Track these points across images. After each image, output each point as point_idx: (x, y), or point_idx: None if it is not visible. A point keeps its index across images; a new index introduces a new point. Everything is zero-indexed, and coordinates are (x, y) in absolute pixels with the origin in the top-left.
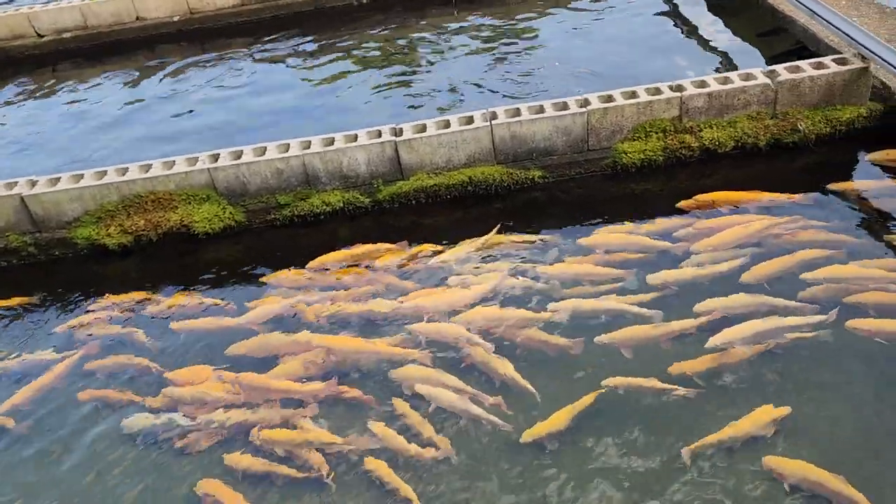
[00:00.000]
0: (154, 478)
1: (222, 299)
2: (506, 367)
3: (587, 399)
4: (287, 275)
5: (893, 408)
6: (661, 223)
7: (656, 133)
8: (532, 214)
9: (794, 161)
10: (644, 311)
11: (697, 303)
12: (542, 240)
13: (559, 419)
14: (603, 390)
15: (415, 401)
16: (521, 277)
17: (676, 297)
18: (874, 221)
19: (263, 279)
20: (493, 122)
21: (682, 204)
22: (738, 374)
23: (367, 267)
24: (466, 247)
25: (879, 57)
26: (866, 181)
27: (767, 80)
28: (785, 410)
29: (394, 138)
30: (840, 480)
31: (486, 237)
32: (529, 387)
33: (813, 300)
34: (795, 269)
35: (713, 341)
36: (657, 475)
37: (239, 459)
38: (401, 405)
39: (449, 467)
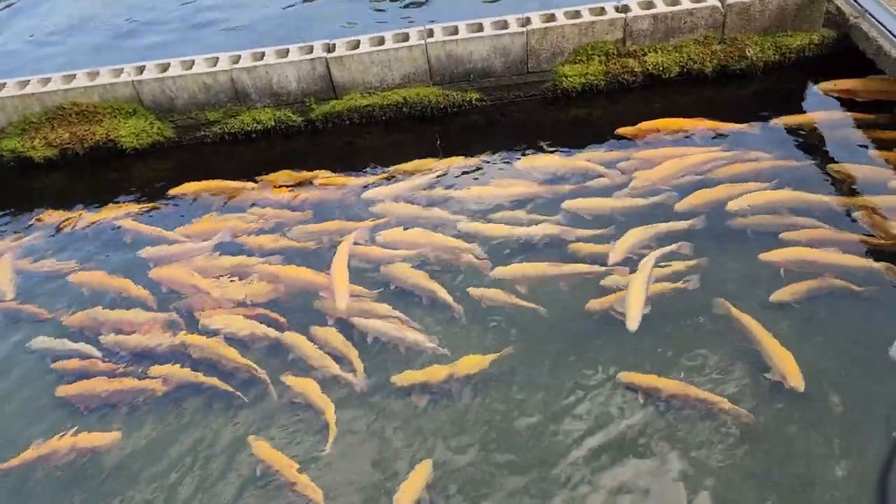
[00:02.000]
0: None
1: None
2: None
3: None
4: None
5: None
6: (599, 153)
7: (598, 56)
8: (470, 138)
9: (741, 89)
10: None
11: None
12: (481, 162)
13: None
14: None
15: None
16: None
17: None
18: (817, 153)
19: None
20: (429, 40)
21: (622, 131)
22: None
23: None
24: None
25: None
26: (813, 113)
27: (717, 2)
28: None
29: (325, 55)
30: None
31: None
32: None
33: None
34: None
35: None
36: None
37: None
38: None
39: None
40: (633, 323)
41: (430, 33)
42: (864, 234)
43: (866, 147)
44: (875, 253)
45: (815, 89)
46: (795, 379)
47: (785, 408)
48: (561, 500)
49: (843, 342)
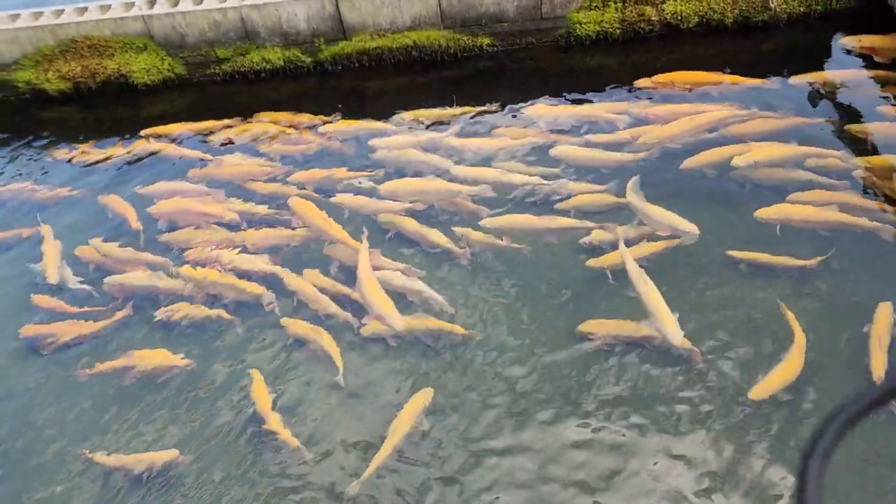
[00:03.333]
0: None
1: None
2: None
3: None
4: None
5: None
6: (612, 104)
7: (615, 3)
8: (480, 84)
9: (762, 42)
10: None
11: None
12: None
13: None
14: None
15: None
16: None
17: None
18: (837, 111)
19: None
20: None
21: (638, 83)
22: None
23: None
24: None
25: None
26: (835, 71)
27: None
28: None
29: None
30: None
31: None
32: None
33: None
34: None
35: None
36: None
37: None
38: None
39: None
40: (676, 335)
41: None
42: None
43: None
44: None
45: (839, 44)
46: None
47: None
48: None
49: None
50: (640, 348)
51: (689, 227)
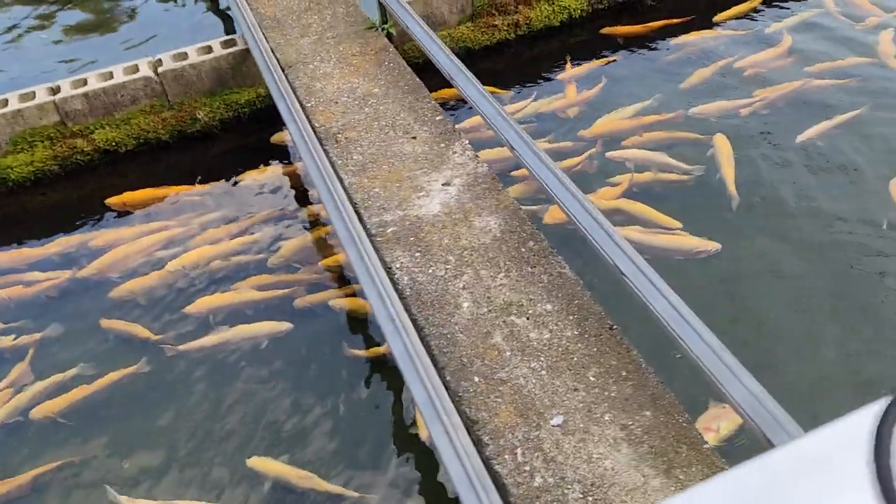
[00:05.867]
0: None
1: None
2: None
3: None
4: None
5: None
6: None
7: (42, 142)
8: None
9: (209, 149)
10: None
11: None
12: None
13: None
14: None
15: None
16: None
17: None
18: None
19: None
20: None
21: (109, 201)
22: None
23: None
24: None
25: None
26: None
27: (149, 73)
28: None
29: None
30: None
31: None
32: None
33: None
34: None
35: None
36: None
37: None
38: None
39: None
40: None
41: None
42: None
43: None
44: None
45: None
46: None
47: None
48: None
49: None
50: None
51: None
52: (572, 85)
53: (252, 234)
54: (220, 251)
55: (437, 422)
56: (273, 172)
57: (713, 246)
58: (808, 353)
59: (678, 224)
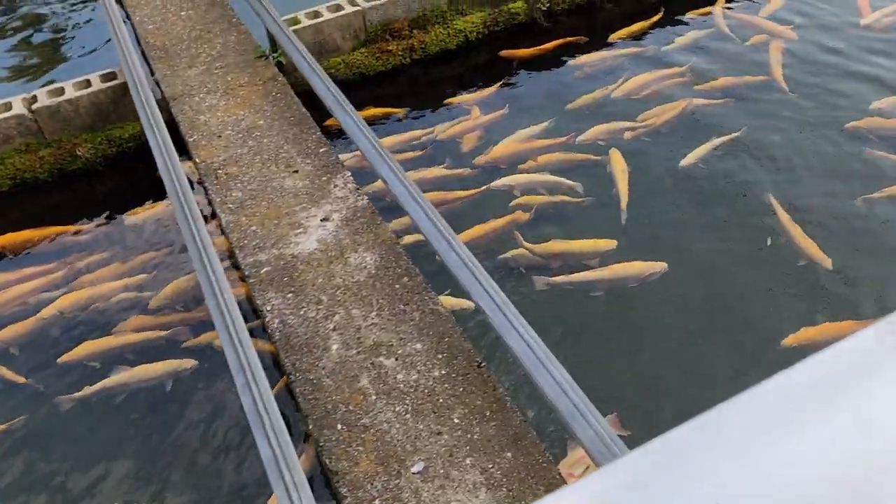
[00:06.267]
0: None
1: None
2: None
3: None
4: None
5: None
6: None
7: None
8: None
9: (93, 187)
10: None
11: None
12: None
13: None
14: None
15: None
16: None
17: None
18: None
19: None
20: None
21: None
22: None
23: None
24: None
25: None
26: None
27: (23, 110)
28: None
29: None
30: None
31: None
32: None
33: None
34: None
35: None
36: None
37: None
38: None
39: None
40: None
41: None
42: None
43: None
44: None
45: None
46: None
47: None
48: None
49: None
50: None
51: None
52: (475, 108)
53: (137, 275)
54: (100, 293)
55: (279, 481)
56: (161, 209)
57: (660, 266)
58: (693, 374)
59: (613, 242)
